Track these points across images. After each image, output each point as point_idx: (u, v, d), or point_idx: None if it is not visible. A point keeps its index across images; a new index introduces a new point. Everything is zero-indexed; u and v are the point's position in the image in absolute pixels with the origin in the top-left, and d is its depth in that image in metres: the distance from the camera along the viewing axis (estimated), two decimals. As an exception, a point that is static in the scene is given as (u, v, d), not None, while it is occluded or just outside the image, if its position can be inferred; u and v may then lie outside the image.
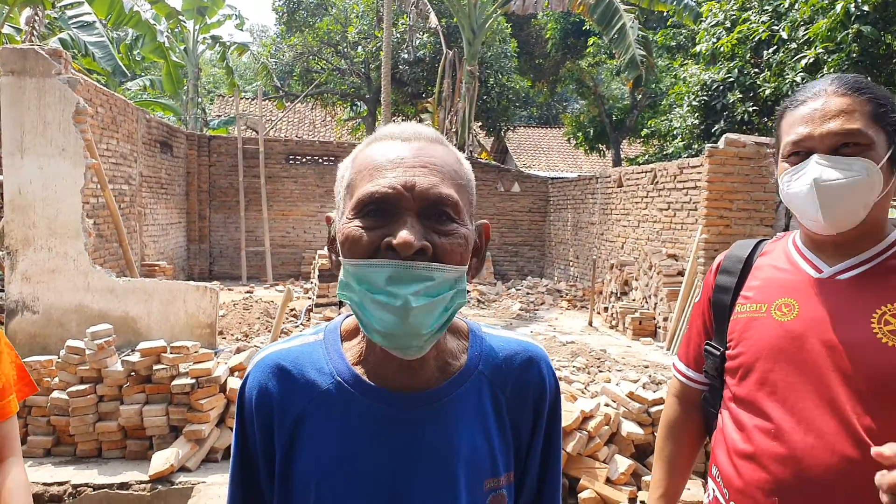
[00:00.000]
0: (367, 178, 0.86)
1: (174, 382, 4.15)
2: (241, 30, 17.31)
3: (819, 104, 1.25)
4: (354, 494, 0.89)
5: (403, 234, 0.81)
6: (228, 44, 16.33)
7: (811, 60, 7.98)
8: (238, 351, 5.80)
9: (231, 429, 4.29)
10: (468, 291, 0.93)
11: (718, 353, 1.42)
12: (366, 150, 0.91)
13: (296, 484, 0.92)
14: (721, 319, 1.42)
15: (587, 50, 15.89)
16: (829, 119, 1.23)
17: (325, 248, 0.97)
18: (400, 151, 0.88)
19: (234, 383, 4.38)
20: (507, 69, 16.50)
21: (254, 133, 14.95)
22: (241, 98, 18.81)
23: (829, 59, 7.62)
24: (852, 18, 7.13)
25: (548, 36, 17.45)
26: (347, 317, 1.02)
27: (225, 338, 6.91)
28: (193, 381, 4.16)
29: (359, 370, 0.94)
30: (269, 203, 12.63)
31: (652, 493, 1.55)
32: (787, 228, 11.20)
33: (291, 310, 8.13)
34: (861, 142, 1.21)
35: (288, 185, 13.09)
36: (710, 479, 1.42)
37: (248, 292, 10.39)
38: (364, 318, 0.84)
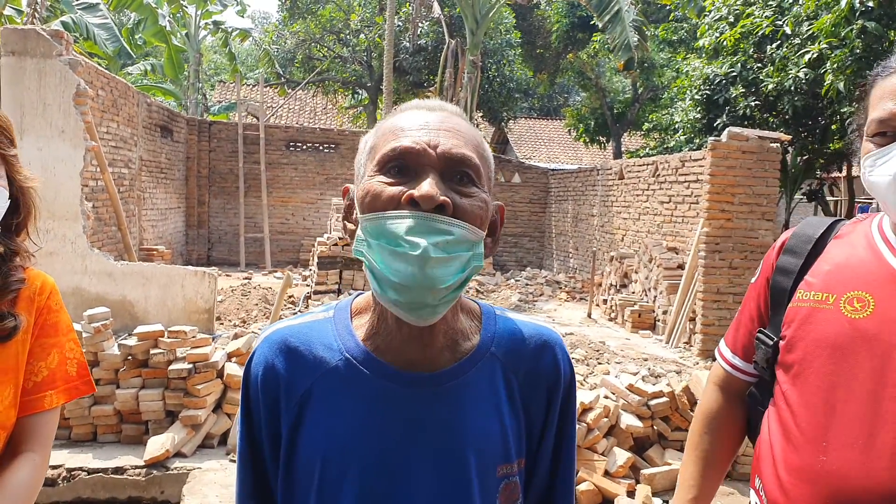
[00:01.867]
0: (391, 138, 0.87)
1: (171, 367, 4.14)
2: (243, 16, 17.16)
3: None
4: (359, 473, 0.88)
5: (426, 188, 0.81)
6: (230, 30, 16.22)
7: (815, 56, 7.94)
8: (236, 336, 5.78)
9: (228, 415, 4.28)
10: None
11: (772, 342, 1.23)
12: (391, 119, 0.92)
13: (301, 462, 0.90)
14: (778, 306, 1.24)
15: (591, 46, 15.81)
16: None
17: (341, 218, 0.97)
18: (426, 117, 0.89)
19: (232, 369, 4.36)
20: (509, 58, 16.42)
21: (254, 119, 14.90)
22: (243, 84, 18.72)
23: (833, 55, 7.58)
24: (857, 14, 7.08)
25: (554, 29, 17.36)
26: (358, 295, 1.01)
27: (223, 323, 6.90)
28: (191, 366, 4.14)
29: (368, 346, 0.92)
30: (268, 189, 12.59)
31: (683, 493, 1.36)
32: (786, 225, 11.18)
33: (290, 297, 8.11)
34: None
35: (288, 171, 13.05)
36: (752, 491, 1.24)
37: (246, 278, 10.37)
38: (380, 272, 0.82)
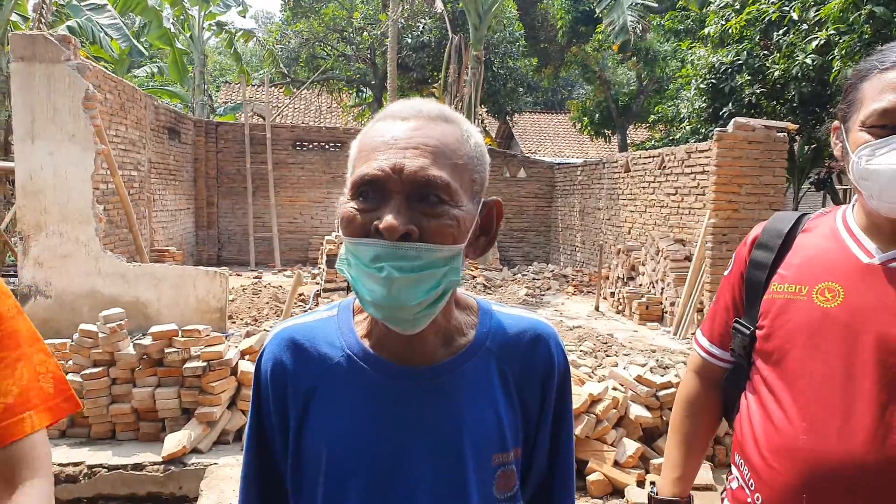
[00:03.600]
0: (363, 159, 0.88)
1: (186, 365, 4.20)
2: (245, 17, 17.18)
3: None
4: (360, 464, 0.92)
5: (388, 220, 0.82)
6: (234, 30, 16.29)
7: (822, 42, 7.90)
8: (248, 335, 5.84)
9: (242, 412, 4.34)
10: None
11: (748, 331, 1.31)
12: (370, 130, 0.92)
13: (307, 453, 0.95)
14: (754, 297, 1.31)
15: (595, 38, 15.78)
16: None
17: (337, 227, 1.01)
18: (395, 132, 0.88)
19: (245, 366, 4.42)
20: (513, 52, 16.40)
21: (261, 119, 14.96)
22: (248, 85, 18.79)
23: (841, 41, 7.54)
24: None
25: (559, 25, 17.33)
26: None
27: (234, 322, 6.97)
28: (205, 364, 4.20)
29: (367, 343, 0.96)
30: (276, 189, 12.66)
31: (667, 474, 1.46)
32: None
33: (299, 295, 8.17)
34: None
35: (295, 171, 13.12)
36: (733, 467, 1.33)
37: (256, 278, 10.44)
38: (358, 289, 0.87)
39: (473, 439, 0.94)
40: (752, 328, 1.30)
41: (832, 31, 7.67)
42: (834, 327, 1.15)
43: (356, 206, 0.87)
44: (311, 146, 13.27)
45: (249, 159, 12.45)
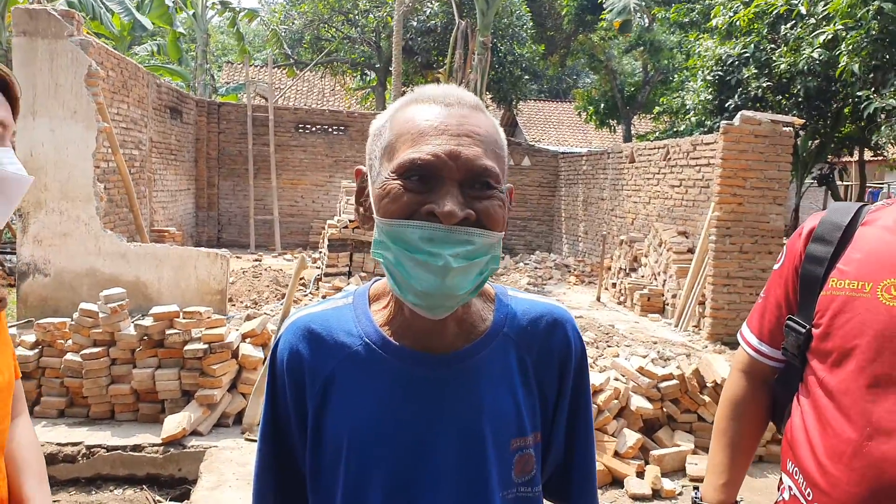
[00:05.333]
0: (409, 142, 0.86)
1: (187, 347, 4.18)
2: (250, -5, 17.04)
3: None
4: (383, 451, 0.92)
5: (449, 206, 0.82)
6: (238, 10, 16.15)
7: (829, 37, 7.86)
8: (248, 318, 5.83)
9: (243, 395, 4.33)
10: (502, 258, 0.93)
11: (804, 330, 1.23)
12: (407, 111, 0.91)
13: (327, 442, 0.95)
14: (810, 294, 1.24)
15: (600, 24, 15.68)
16: None
17: (353, 201, 0.98)
18: (444, 118, 0.87)
19: (246, 349, 4.41)
20: (520, 38, 16.27)
21: (263, 101, 14.87)
22: (251, 65, 18.66)
23: (848, 36, 7.51)
24: None
25: (564, 12, 17.21)
26: (375, 281, 1.04)
27: (234, 305, 6.95)
28: (206, 346, 4.19)
29: (386, 331, 0.95)
30: (278, 172, 12.59)
31: (713, 479, 1.39)
32: (797, 210, 11.11)
33: (301, 279, 8.16)
34: None
35: (297, 153, 13.05)
36: (784, 476, 1.26)
37: (256, 260, 10.42)
38: (401, 276, 0.85)
39: (493, 424, 0.94)
40: (808, 326, 1.23)
41: (839, 27, 7.63)
42: None
43: (404, 186, 0.85)
44: (314, 129, 13.20)
45: (251, 141, 12.38)
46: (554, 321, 1.02)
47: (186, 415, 3.97)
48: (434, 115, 0.88)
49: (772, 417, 1.39)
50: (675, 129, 13.67)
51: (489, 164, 0.86)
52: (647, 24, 16.48)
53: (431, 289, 0.83)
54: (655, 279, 8.40)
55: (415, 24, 16.47)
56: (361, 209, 0.96)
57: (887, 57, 7.68)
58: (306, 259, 4.57)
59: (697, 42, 11.84)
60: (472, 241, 0.83)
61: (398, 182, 0.85)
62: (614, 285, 9.19)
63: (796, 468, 1.21)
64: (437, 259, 0.82)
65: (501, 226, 0.88)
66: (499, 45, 15.71)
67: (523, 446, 0.97)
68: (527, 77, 17.26)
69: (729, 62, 10.15)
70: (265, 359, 4.37)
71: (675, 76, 15.19)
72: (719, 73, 10.29)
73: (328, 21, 18.37)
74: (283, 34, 18.24)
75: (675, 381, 4.23)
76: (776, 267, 1.35)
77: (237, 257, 10.49)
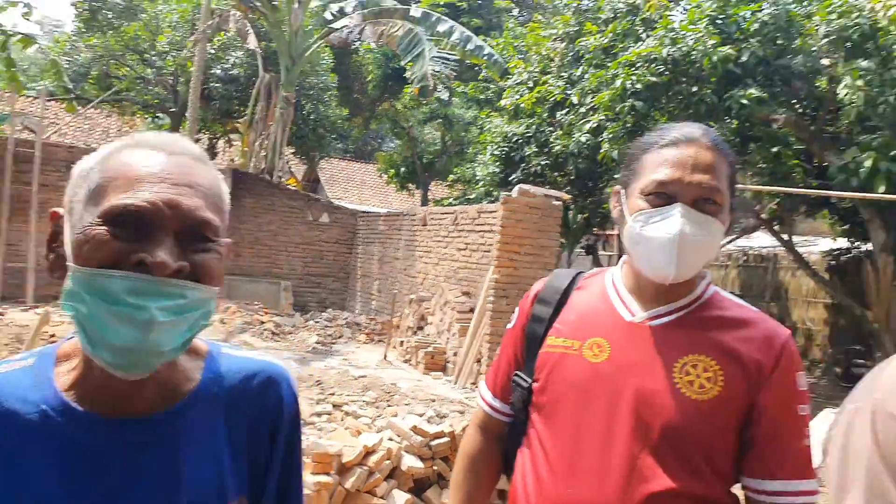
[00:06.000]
0: (123, 187, 0.80)
1: None
2: (29, 20, 15.43)
3: (692, 151, 1.22)
4: None
5: (162, 255, 0.77)
6: (10, 32, 14.54)
7: (594, 125, 8.92)
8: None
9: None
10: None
11: (527, 384, 1.34)
12: (122, 155, 0.84)
13: None
14: (532, 350, 1.35)
15: (404, 92, 16.45)
16: (700, 170, 1.20)
17: (46, 244, 0.88)
18: (165, 165, 0.83)
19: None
20: (325, 99, 16.47)
21: (31, 134, 13.35)
22: (22, 95, 16.77)
23: (609, 126, 8.57)
24: (628, 94, 8.09)
25: (369, 78, 17.84)
26: (65, 340, 0.91)
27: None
28: None
29: (70, 396, 0.84)
30: (40, 214, 11.20)
31: None
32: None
33: (51, 336, 7.20)
34: (718, 201, 1.21)
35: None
36: None
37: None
38: (94, 332, 0.77)
39: (190, 494, 0.86)
40: (531, 381, 1.33)
41: (602, 117, 8.71)
42: (600, 381, 1.21)
43: (110, 232, 0.77)
44: (91, 170, 12.06)
45: (10, 178, 10.96)
46: (267, 379, 0.98)
47: None
48: (154, 162, 0.82)
49: (504, 470, 1.45)
50: (466, 197, 14.57)
51: (209, 217, 0.82)
52: (447, 98, 17.60)
53: (133, 344, 0.76)
54: (440, 338, 8.68)
55: (217, 71, 16.00)
56: (52, 255, 0.84)
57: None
58: (51, 313, 4.07)
59: (488, 119, 12.86)
60: (184, 294, 0.78)
61: (104, 228, 0.77)
62: (402, 343, 9.34)
63: None
64: (142, 312, 0.75)
65: (218, 280, 0.83)
66: (303, 102, 15.77)
67: None
68: (332, 136, 17.47)
69: (514, 140, 11.12)
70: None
71: (470, 148, 16.29)
72: (506, 148, 11.22)
73: (120, 58, 17.21)
74: (65, 66, 16.68)
75: (446, 439, 4.32)
76: (510, 326, 1.45)
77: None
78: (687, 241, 1.17)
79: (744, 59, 7.46)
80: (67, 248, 0.81)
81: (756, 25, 7.56)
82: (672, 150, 1.23)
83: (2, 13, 14.50)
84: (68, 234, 0.82)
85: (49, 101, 16.65)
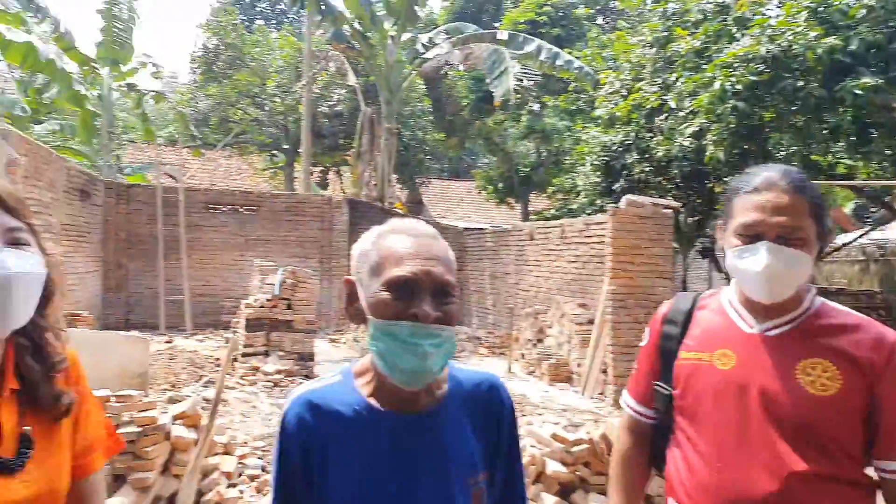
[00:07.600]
0: (394, 263, 1.18)
1: (118, 431, 4.21)
2: (157, 78, 17.09)
3: (772, 196, 1.43)
4: (378, 495, 1.20)
5: (427, 309, 1.14)
6: (144, 91, 16.19)
7: (696, 129, 8.89)
8: (170, 401, 5.82)
9: (176, 476, 4.39)
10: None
11: (667, 392, 1.59)
12: (387, 241, 1.23)
13: (331, 494, 1.21)
14: (668, 363, 1.61)
15: (496, 114, 16.92)
16: (779, 213, 1.42)
17: (344, 305, 1.37)
18: (416, 247, 1.20)
19: (179, 431, 4.48)
20: (422, 125, 17.19)
21: (172, 180, 14.81)
22: (155, 144, 18.56)
23: (711, 128, 8.50)
24: (728, 94, 7.94)
25: (464, 104, 18.43)
26: (355, 362, 1.37)
27: (152, 388, 6.88)
28: (140, 429, 4.25)
29: (371, 400, 1.25)
30: (188, 251, 12.50)
31: None
32: (684, 281, 12.09)
33: (216, 359, 8.12)
34: (802, 236, 1.42)
35: (208, 233, 13.03)
36: None
37: (167, 342, 10.21)
38: (390, 360, 1.16)
39: (456, 468, 1.23)
40: (671, 389, 1.59)
41: (703, 120, 8.63)
42: (731, 385, 1.46)
43: (393, 297, 1.20)
44: (224, 208, 13.29)
45: (161, 221, 12.29)
46: (492, 385, 1.34)
47: (121, 499, 3.99)
48: (409, 245, 1.20)
49: (653, 464, 1.72)
50: (567, 207, 14.67)
51: (450, 279, 1.19)
52: (539, 111, 17.85)
53: (416, 368, 1.15)
54: (560, 349, 8.92)
55: (323, 108, 17.05)
56: (352, 308, 1.26)
57: (745, 146, 8.82)
58: (238, 342, 4.76)
59: (583, 130, 12.92)
60: (440, 334, 1.15)
61: (387, 294, 1.16)
62: (523, 356, 9.59)
63: (674, 501, 1.56)
64: (419, 347, 1.13)
65: (457, 321, 1.22)
66: (402, 129, 16.52)
67: (476, 482, 1.26)
68: (430, 158, 18.16)
69: (613, 148, 11.12)
70: (197, 440, 4.48)
71: (567, 158, 16.42)
72: (605, 157, 11.23)
73: (234, 104, 18.68)
74: (189, 115, 18.33)
75: (585, 446, 4.48)
76: (642, 344, 1.74)
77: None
78: (773, 272, 1.41)
79: (853, 47, 7.19)
80: (363, 304, 1.22)
81: (863, 11, 7.28)
82: (755, 196, 1.45)
83: (134, 76, 16.13)
84: (363, 296, 1.22)
85: (180, 148, 18.32)
